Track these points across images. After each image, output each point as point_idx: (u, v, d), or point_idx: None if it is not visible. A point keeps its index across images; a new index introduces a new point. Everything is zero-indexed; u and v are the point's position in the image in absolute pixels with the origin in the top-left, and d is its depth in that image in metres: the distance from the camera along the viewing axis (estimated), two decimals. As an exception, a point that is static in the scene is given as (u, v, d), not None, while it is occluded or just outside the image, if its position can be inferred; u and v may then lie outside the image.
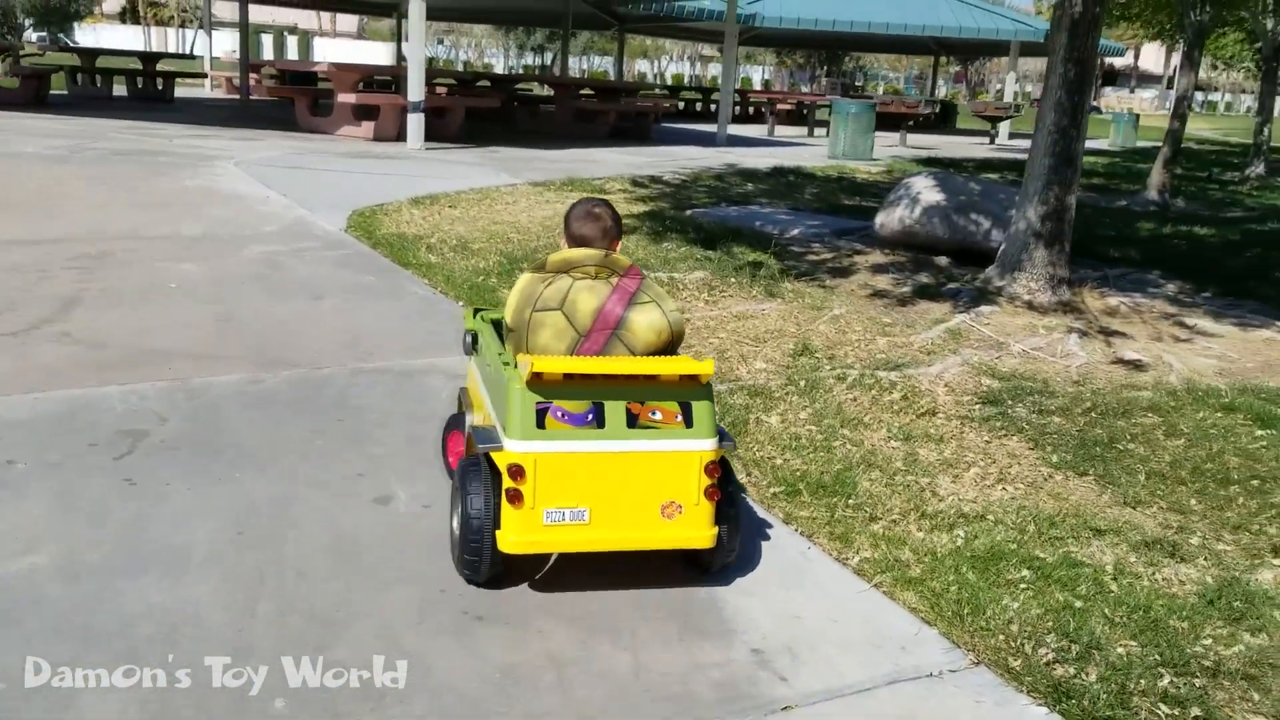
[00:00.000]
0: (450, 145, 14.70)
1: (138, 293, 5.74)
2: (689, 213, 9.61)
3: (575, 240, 3.31)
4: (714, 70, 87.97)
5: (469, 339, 3.57)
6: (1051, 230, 7.09)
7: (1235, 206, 15.71)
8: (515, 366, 2.98)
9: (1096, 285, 7.65)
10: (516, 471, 2.84)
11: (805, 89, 67.18)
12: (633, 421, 3.06)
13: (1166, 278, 8.48)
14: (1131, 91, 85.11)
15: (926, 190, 8.07)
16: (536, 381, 2.87)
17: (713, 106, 34.45)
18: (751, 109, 33.40)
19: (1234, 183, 20.76)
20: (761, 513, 3.69)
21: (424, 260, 6.92)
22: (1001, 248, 7.39)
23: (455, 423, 3.68)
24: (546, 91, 29.96)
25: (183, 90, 23.64)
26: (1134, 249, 9.92)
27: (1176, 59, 74.99)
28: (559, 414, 3.01)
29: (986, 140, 29.36)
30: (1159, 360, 6.00)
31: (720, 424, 3.11)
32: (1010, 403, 5.00)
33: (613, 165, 13.36)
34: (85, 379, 4.38)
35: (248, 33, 25.22)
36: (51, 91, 19.15)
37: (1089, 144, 31.00)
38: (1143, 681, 2.82)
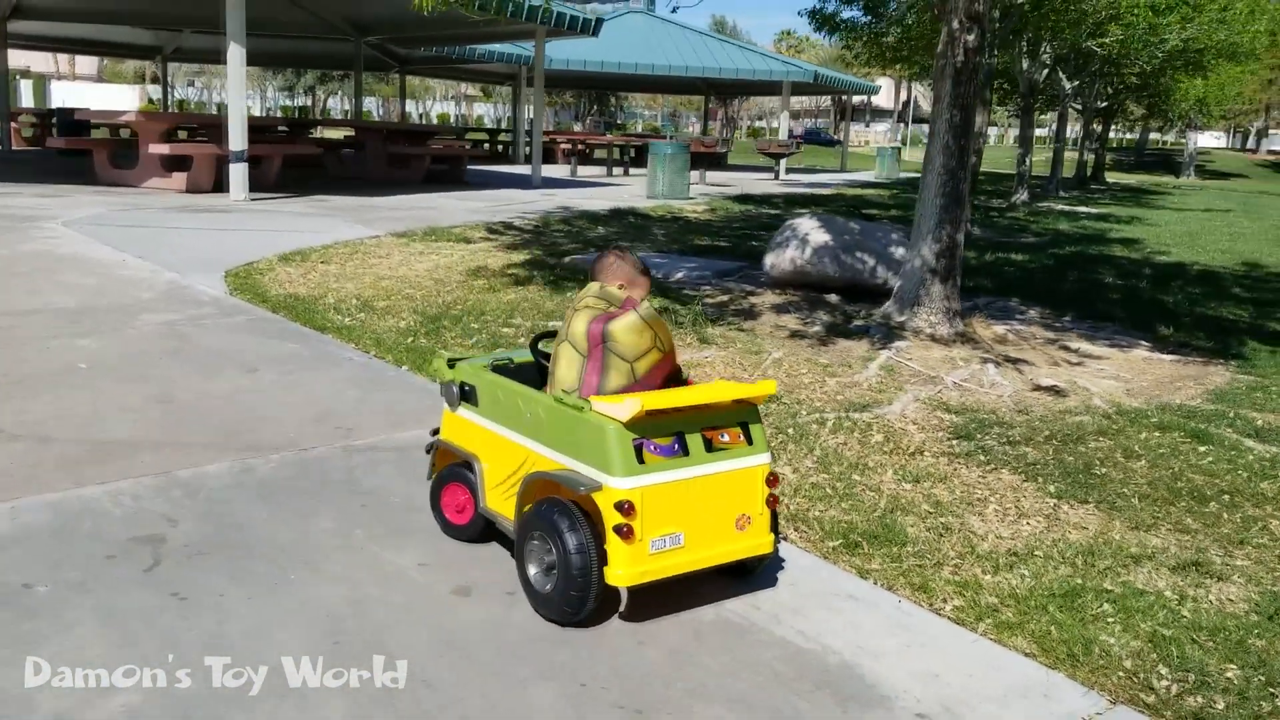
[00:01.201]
0: (274, 195, 14.00)
1: (49, 376, 5.15)
2: (568, 260, 9.53)
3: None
4: (479, 110, 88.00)
5: (456, 390, 3.55)
6: (946, 266, 7.46)
7: (1024, 232, 17.02)
8: (587, 409, 3.06)
9: (981, 315, 8.09)
10: (627, 508, 2.95)
11: (578, 128, 68.22)
12: (709, 446, 3.17)
13: (1026, 304, 9.07)
14: (867, 125, 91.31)
15: (813, 231, 8.32)
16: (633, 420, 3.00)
17: (500, 147, 34.47)
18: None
19: (1006, 209, 22.51)
20: (833, 569, 3.68)
21: (336, 323, 6.55)
22: (898, 284, 7.70)
23: (452, 477, 3.61)
24: (333, 134, 29.11)
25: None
26: (980, 278, 10.55)
27: (903, 94, 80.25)
28: (652, 447, 3.09)
29: (771, 176, 30.64)
30: (1074, 385, 6.39)
31: None
32: (979, 436, 5.19)
33: (455, 212, 13.08)
34: (54, 480, 3.88)
35: (7, 81, 23.24)
36: None
37: (858, 177, 33.04)
38: (1263, 704, 2.98)
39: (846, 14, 17.69)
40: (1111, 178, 43.97)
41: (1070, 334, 7.95)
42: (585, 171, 25.88)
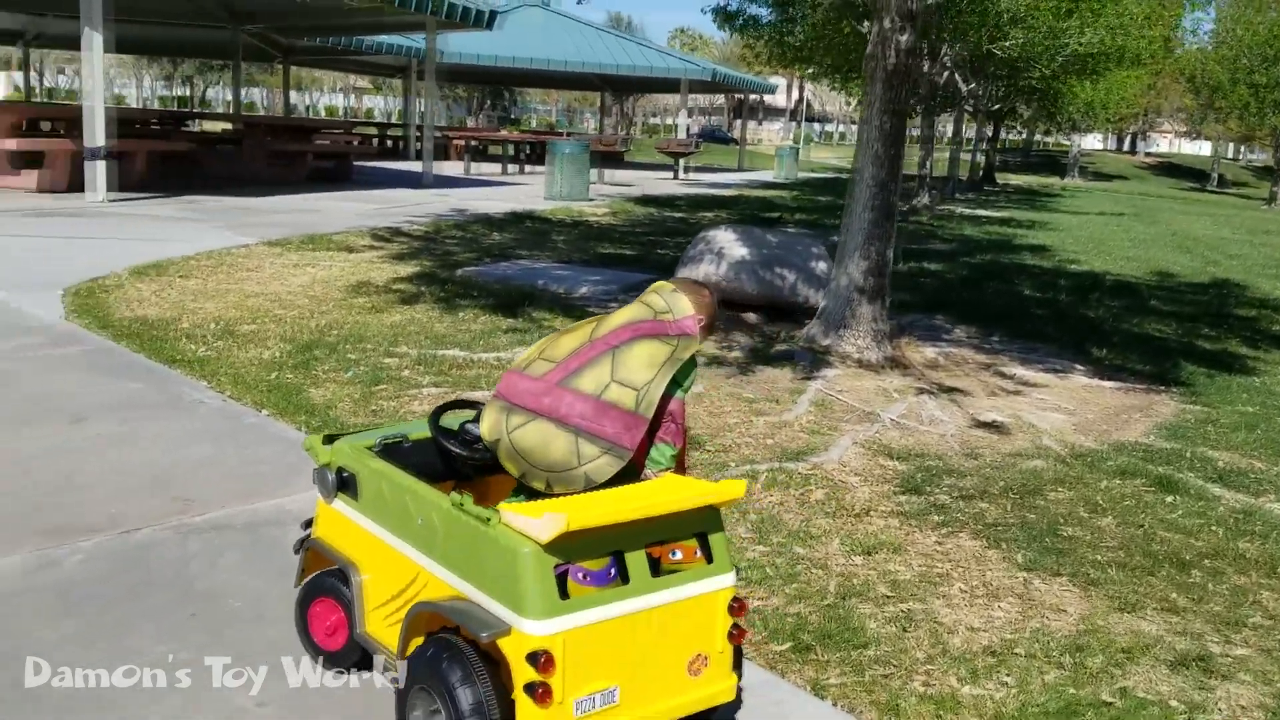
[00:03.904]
0: (138, 196, 12.83)
1: None
2: (460, 272, 8.70)
3: None
4: (369, 103, 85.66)
5: (332, 478, 2.71)
6: (874, 286, 6.88)
7: (933, 238, 16.70)
8: (494, 522, 2.26)
9: (910, 337, 7.55)
10: (544, 661, 2.17)
11: (472, 122, 66.79)
12: (655, 568, 2.43)
13: (952, 322, 8.58)
14: (760, 124, 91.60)
15: (730, 245, 7.67)
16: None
17: (391, 143, 33.20)
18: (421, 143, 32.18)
19: (909, 213, 22.29)
20: (783, 686, 3.00)
21: (190, 354, 5.65)
22: (824, 305, 7.10)
23: (322, 588, 2.79)
24: (214, 128, 27.55)
25: None
26: (899, 292, 10.03)
27: (795, 94, 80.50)
28: (580, 575, 2.35)
29: (671, 175, 30.05)
30: (1019, 420, 5.86)
31: None
32: (928, 489, 4.60)
33: (339, 215, 12.12)
34: None
35: None
36: None
37: (758, 176, 32.72)
38: None
39: (752, 10, 17.17)
40: (1001, 179, 44.52)
41: (1003, 357, 7.44)
42: (481, 169, 24.93)
